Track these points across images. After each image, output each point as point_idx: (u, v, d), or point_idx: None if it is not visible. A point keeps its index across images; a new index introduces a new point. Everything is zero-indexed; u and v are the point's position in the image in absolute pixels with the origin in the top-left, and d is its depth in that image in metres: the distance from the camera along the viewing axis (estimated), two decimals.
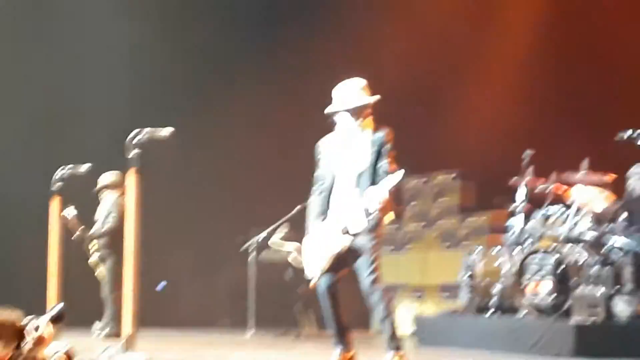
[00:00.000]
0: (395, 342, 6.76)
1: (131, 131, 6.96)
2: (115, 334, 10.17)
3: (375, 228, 6.80)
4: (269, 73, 13.60)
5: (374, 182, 6.76)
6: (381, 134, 6.89)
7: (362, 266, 6.78)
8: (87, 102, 13.24)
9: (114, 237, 10.31)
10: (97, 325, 10.81)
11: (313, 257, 6.99)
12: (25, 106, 13.27)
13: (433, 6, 13.45)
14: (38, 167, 10.88)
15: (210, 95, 13.83)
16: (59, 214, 8.83)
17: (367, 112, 6.97)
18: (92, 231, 10.83)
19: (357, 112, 6.94)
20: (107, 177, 10.90)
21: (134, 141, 6.98)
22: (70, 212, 10.45)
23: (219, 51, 14.10)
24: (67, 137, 12.95)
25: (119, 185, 10.50)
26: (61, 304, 5.56)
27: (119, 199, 10.54)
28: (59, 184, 8.70)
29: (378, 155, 6.83)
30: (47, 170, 8.84)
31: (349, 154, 6.95)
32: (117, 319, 10.16)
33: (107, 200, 10.91)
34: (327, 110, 7.04)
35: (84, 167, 8.76)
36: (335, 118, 7.05)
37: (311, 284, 7.21)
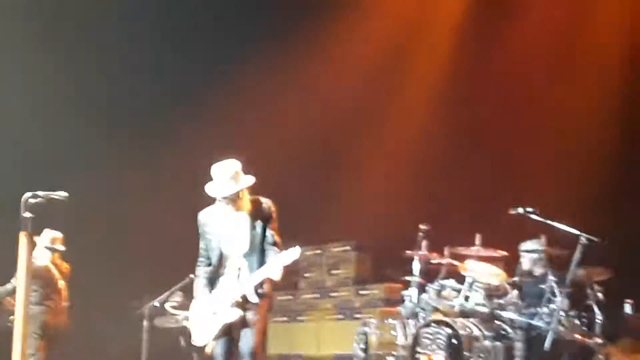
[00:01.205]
0: None
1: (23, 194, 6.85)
2: None
3: (261, 301, 7.10)
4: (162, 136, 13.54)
5: (262, 254, 7.12)
6: (265, 207, 7.23)
7: (246, 335, 7.06)
8: None
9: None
10: None
11: (202, 326, 7.24)
12: None
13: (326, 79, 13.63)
14: None
15: (104, 159, 13.66)
16: None
17: (243, 193, 7.21)
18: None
19: (235, 197, 7.17)
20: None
21: (27, 204, 6.87)
22: None
23: (112, 112, 13.97)
24: None
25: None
26: None
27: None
28: None
29: (264, 229, 7.16)
30: None
31: (233, 232, 7.21)
32: None
33: None
34: (207, 192, 7.24)
35: None
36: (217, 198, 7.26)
37: (207, 349, 7.29)
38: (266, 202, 7.25)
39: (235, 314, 7.07)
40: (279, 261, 6.93)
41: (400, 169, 13.03)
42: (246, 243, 7.16)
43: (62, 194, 7.07)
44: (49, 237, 10.52)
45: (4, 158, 13.00)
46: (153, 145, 13.54)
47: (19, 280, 7.00)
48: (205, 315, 7.21)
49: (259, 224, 7.16)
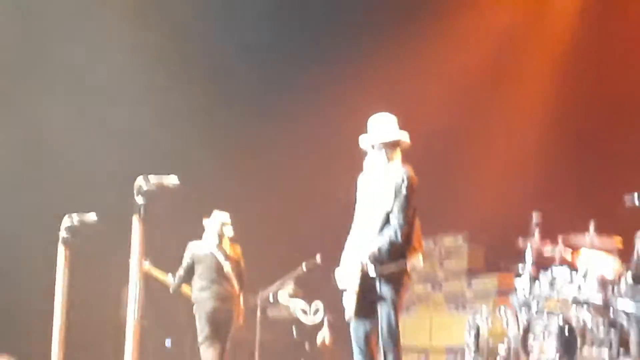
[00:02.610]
0: None
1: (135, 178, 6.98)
2: None
3: (394, 277, 6.74)
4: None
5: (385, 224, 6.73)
6: (400, 173, 6.83)
7: (381, 315, 6.72)
8: (93, 149, 13.27)
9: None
10: None
11: (345, 295, 6.89)
12: (28, 150, 13.26)
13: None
14: (42, 214, 10.83)
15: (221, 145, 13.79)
16: (65, 263, 8.79)
17: (398, 148, 6.95)
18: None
19: (393, 146, 6.93)
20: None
21: (139, 188, 7.00)
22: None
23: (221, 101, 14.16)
24: (72, 183, 12.90)
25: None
26: None
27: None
28: (66, 232, 8.67)
29: (395, 198, 6.77)
30: (51, 218, 8.81)
31: (376, 190, 6.88)
32: None
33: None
34: (368, 141, 6.99)
35: (91, 216, 8.74)
36: (369, 150, 7.00)
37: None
38: (404, 169, 6.84)
39: (357, 279, 6.72)
40: (384, 244, 6.66)
41: (513, 159, 12.87)
42: (380, 206, 6.79)
43: (173, 180, 7.18)
44: (219, 220, 10.22)
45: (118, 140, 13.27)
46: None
47: (131, 266, 7.13)
48: (344, 279, 6.89)
49: (393, 192, 6.76)
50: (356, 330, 6.89)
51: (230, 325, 10.06)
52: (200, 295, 10.03)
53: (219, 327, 9.96)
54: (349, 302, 6.80)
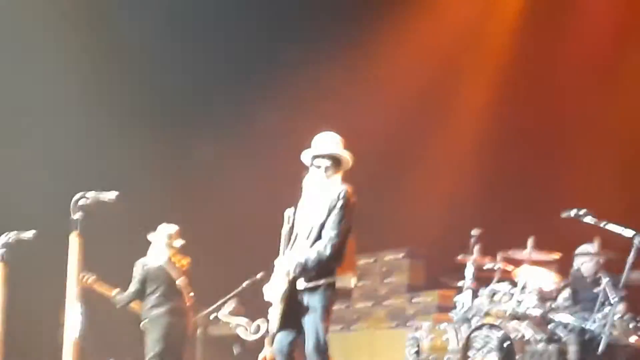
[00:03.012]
0: None
1: (74, 194, 6.91)
2: None
3: (320, 290, 6.74)
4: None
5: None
6: (337, 190, 6.82)
7: (307, 328, 6.73)
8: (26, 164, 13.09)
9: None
10: None
11: (272, 308, 6.91)
12: None
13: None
14: None
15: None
16: (2, 281, 8.66)
17: (339, 167, 6.97)
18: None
19: (333, 164, 6.93)
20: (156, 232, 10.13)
21: (78, 204, 6.94)
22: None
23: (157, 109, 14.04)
24: (8, 201, 12.72)
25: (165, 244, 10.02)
26: None
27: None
28: (4, 250, 8.55)
29: (329, 213, 6.78)
30: None
31: (313, 206, 6.89)
32: None
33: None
34: (309, 156, 7.01)
35: (29, 234, 8.62)
36: (313, 163, 6.99)
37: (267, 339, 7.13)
38: (343, 187, 6.86)
39: (284, 287, 6.79)
40: (314, 256, 6.69)
41: (451, 176, 12.96)
42: (315, 220, 6.82)
43: (111, 195, 7.11)
44: (166, 233, 10.04)
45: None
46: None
47: (69, 282, 7.05)
48: (272, 287, 6.95)
49: (328, 207, 6.78)
50: (280, 342, 6.87)
51: (185, 342, 9.98)
52: (153, 311, 9.88)
53: (174, 344, 9.81)
54: (274, 313, 6.81)
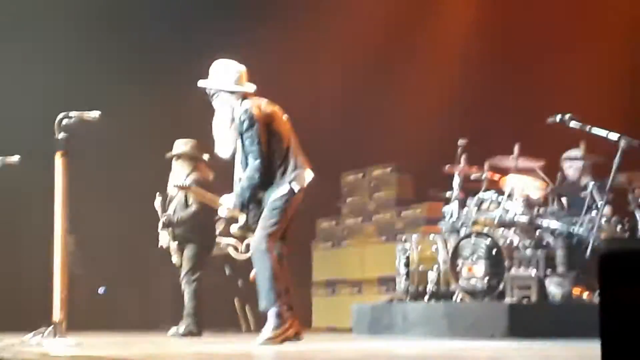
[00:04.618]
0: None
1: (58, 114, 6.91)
2: (194, 332, 9.88)
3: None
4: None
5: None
6: (239, 112, 7.00)
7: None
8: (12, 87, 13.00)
9: (194, 223, 9.99)
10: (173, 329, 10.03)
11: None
12: None
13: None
14: None
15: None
16: None
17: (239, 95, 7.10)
18: (174, 216, 10.01)
19: (217, 93, 7.13)
20: (180, 146, 10.05)
21: (62, 124, 6.94)
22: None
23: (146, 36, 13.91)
24: None
25: (192, 157, 9.96)
26: None
27: (193, 174, 9.90)
28: None
29: (241, 140, 7.03)
30: None
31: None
32: (196, 314, 9.97)
33: (178, 174, 9.96)
34: (203, 85, 7.19)
35: (14, 158, 8.60)
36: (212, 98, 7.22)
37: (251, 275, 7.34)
38: (244, 106, 7.06)
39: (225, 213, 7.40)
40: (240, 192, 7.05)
41: (437, 88, 12.91)
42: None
43: (94, 114, 7.12)
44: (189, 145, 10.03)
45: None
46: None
47: (56, 203, 7.07)
48: None
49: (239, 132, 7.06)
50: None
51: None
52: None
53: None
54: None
